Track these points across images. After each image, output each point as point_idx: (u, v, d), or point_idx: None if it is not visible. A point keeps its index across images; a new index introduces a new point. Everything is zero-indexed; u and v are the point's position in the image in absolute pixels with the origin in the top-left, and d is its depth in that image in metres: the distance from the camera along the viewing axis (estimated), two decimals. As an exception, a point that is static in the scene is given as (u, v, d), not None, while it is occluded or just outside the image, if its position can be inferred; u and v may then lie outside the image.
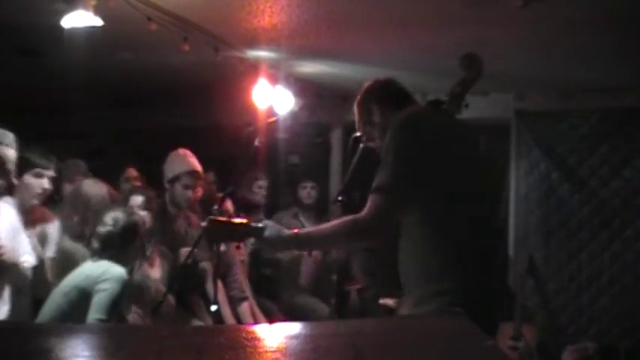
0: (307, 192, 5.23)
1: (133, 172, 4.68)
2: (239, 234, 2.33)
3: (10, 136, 2.84)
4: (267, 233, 2.26)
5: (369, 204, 2.18)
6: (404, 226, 2.21)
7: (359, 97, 2.53)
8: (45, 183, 3.22)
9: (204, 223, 2.35)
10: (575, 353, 4.96)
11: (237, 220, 2.35)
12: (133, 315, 3.29)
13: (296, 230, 2.34)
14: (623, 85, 5.09)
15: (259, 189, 5.00)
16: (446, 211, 2.15)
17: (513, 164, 5.54)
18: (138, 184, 4.40)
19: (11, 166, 2.82)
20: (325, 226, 2.36)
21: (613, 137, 5.25)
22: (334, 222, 2.30)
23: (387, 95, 2.47)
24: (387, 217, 2.18)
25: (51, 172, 3.26)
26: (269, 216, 4.71)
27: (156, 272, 3.57)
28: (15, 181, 2.97)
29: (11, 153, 2.82)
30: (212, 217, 2.34)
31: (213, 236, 2.39)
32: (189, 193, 3.84)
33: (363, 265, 4.79)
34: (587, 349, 4.98)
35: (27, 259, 2.97)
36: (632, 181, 5.21)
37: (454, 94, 3.49)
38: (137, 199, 3.64)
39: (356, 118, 2.54)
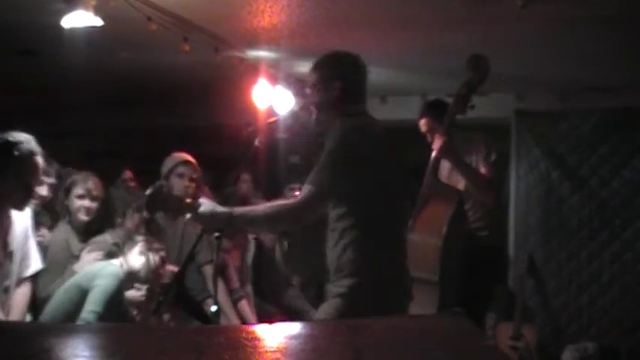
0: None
1: (128, 173, 4.66)
2: (174, 207, 2.50)
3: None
4: (201, 209, 2.41)
5: (302, 193, 2.46)
6: (330, 219, 2.50)
7: (325, 62, 2.65)
8: (43, 190, 3.15)
9: (149, 190, 2.44)
10: (575, 353, 4.96)
11: (177, 196, 2.52)
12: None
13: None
14: (623, 85, 5.08)
15: (244, 183, 5.08)
16: (365, 211, 2.45)
17: (513, 164, 5.54)
18: (133, 184, 4.39)
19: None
20: (258, 206, 2.57)
21: (613, 137, 5.25)
22: (267, 204, 2.55)
23: (354, 80, 2.62)
24: (314, 210, 2.46)
25: (51, 180, 3.22)
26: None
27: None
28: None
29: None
30: (158, 186, 2.47)
31: (151, 204, 2.49)
32: (185, 181, 3.83)
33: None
34: (587, 349, 4.98)
35: (32, 264, 2.92)
36: (632, 181, 5.20)
37: (460, 95, 3.49)
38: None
39: (311, 82, 2.64)
